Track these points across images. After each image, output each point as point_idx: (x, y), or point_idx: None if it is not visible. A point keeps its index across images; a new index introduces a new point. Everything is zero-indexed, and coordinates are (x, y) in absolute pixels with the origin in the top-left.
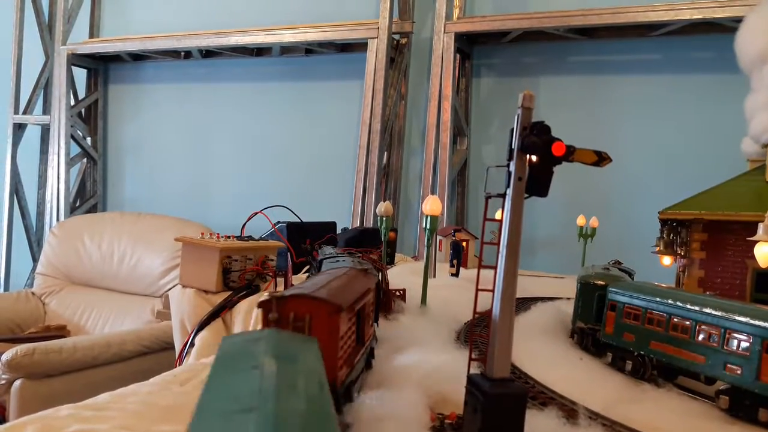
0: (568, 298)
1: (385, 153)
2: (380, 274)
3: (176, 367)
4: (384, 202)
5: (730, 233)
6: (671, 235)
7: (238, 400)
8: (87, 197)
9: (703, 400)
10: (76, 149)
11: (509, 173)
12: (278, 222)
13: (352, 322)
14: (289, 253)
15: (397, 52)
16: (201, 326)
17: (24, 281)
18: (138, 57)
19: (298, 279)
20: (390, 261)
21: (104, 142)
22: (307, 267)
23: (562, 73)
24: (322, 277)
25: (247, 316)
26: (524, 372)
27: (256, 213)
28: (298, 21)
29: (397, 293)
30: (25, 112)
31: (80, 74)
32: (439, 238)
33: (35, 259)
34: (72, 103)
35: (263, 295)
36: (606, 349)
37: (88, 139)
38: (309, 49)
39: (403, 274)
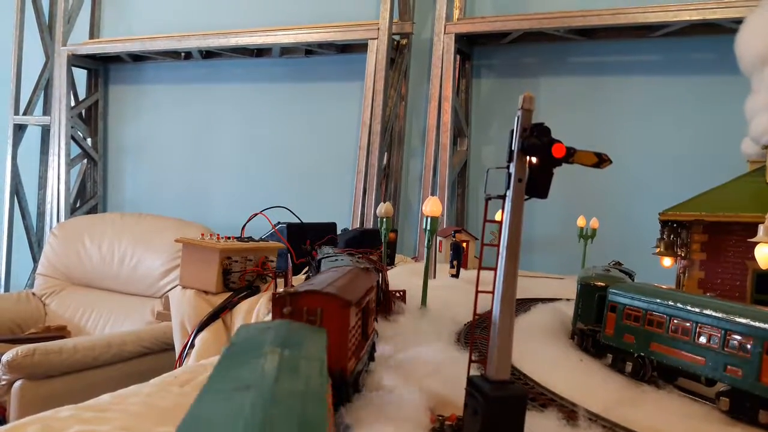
0: (568, 299)
1: (385, 154)
2: (380, 274)
3: (176, 368)
4: (384, 203)
5: (731, 234)
6: (671, 236)
7: (239, 380)
8: (87, 198)
9: (704, 401)
10: (76, 150)
11: (509, 175)
12: (278, 223)
13: (359, 317)
14: (289, 254)
15: (398, 53)
16: (201, 327)
17: (24, 282)
18: (138, 58)
19: (298, 280)
20: (390, 262)
21: (104, 142)
22: (307, 268)
23: (562, 73)
24: (328, 275)
25: (247, 316)
26: (524, 373)
27: (257, 214)
28: (298, 22)
29: (397, 294)
30: (25, 113)
31: (80, 75)
32: (439, 239)
33: (36, 260)
34: (72, 103)
35: (264, 296)
36: (606, 350)
37: (89, 139)
38: (309, 49)
39: (403, 275)
